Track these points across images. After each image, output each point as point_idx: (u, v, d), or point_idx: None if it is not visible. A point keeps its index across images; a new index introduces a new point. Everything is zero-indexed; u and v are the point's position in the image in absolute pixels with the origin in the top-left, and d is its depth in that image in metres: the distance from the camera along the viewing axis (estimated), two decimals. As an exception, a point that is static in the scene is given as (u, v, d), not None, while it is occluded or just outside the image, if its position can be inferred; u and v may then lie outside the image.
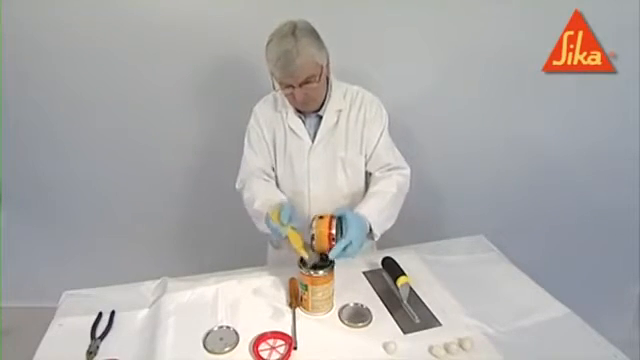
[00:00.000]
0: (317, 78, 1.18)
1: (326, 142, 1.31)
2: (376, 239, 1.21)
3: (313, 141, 1.31)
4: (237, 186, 1.38)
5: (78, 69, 1.92)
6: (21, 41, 1.85)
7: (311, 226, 1.08)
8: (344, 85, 1.34)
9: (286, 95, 1.23)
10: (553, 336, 1.05)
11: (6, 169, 2.07)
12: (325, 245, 1.07)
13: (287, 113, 1.30)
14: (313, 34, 1.17)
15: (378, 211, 1.20)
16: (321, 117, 1.30)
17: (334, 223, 1.08)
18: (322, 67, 1.19)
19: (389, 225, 1.24)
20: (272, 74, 1.19)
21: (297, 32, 1.13)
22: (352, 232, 1.07)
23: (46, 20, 1.83)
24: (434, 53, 1.91)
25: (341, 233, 1.08)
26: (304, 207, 1.34)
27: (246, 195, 1.30)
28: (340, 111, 1.30)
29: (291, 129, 1.30)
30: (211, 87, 1.97)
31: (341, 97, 1.31)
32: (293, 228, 1.10)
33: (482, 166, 2.06)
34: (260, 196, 1.25)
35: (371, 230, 1.17)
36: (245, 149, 1.37)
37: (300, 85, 1.16)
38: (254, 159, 1.35)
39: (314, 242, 1.08)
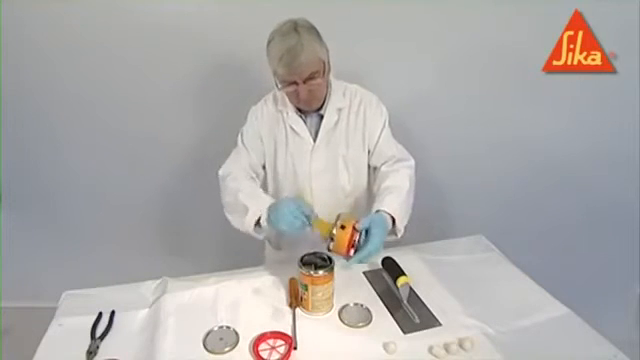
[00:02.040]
0: (321, 74, 1.18)
1: (328, 141, 1.31)
2: (400, 235, 1.19)
3: (315, 140, 1.31)
4: (220, 172, 1.32)
5: (78, 69, 1.91)
6: (21, 41, 1.85)
7: (334, 225, 1.07)
8: (343, 84, 1.34)
9: (289, 93, 1.22)
10: (553, 336, 1.05)
11: (6, 169, 2.07)
12: (343, 251, 1.07)
13: (288, 113, 1.30)
14: (314, 31, 1.17)
15: (399, 206, 1.18)
16: (322, 116, 1.30)
17: (356, 237, 1.07)
18: (324, 63, 1.19)
19: (407, 220, 1.23)
20: (275, 73, 1.18)
21: (299, 29, 1.13)
22: (372, 245, 1.06)
23: (46, 20, 1.83)
24: (433, 53, 1.91)
25: (361, 240, 1.07)
26: None
27: (232, 184, 1.25)
28: (340, 109, 1.30)
29: (292, 129, 1.30)
30: (212, 88, 1.96)
31: (341, 95, 1.31)
32: (315, 219, 1.12)
33: (482, 166, 2.06)
34: (247, 191, 1.22)
35: (394, 224, 1.16)
36: (238, 144, 1.35)
37: (304, 81, 1.16)
38: (246, 155, 1.33)
39: (332, 243, 1.07)
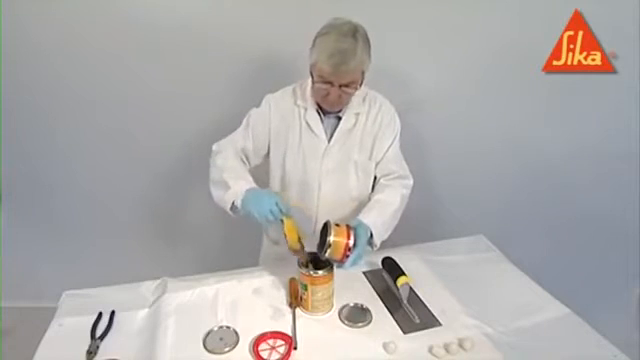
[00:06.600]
0: (357, 84, 1.19)
1: (342, 144, 1.31)
2: (375, 249, 1.22)
3: (329, 141, 1.31)
4: (214, 147, 1.34)
5: (78, 69, 1.91)
6: (21, 41, 1.85)
7: (327, 233, 1.06)
8: (365, 89, 1.33)
9: (318, 89, 1.20)
10: (553, 336, 1.05)
11: (6, 169, 2.07)
12: (340, 255, 1.07)
13: (306, 109, 1.29)
14: (369, 42, 1.18)
15: (381, 222, 1.20)
16: (339, 118, 1.30)
17: (352, 234, 1.08)
18: (363, 76, 1.20)
19: (387, 236, 1.25)
20: (315, 64, 1.17)
21: (358, 35, 1.14)
22: (362, 246, 1.09)
23: (46, 20, 1.82)
24: (434, 53, 1.91)
25: (354, 244, 1.08)
26: (312, 204, 1.35)
27: (220, 162, 1.27)
28: (358, 114, 1.30)
29: (308, 126, 1.30)
30: (212, 88, 1.96)
31: (361, 100, 1.31)
32: (289, 218, 1.12)
33: (482, 166, 2.06)
34: (233, 171, 1.24)
35: (371, 237, 1.17)
36: (241, 126, 1.34)
37: (340, 86, 1.16)
38: (244, 139, 1.33)
39: (330, 249, 1.06)
